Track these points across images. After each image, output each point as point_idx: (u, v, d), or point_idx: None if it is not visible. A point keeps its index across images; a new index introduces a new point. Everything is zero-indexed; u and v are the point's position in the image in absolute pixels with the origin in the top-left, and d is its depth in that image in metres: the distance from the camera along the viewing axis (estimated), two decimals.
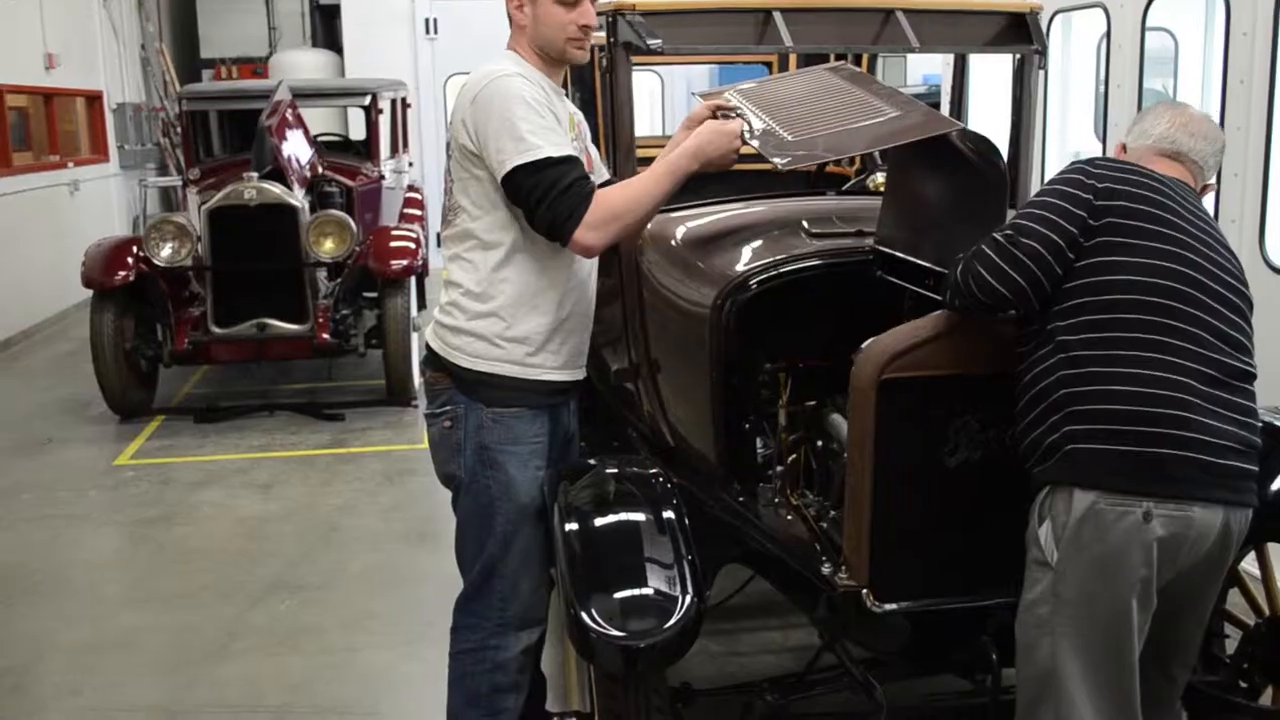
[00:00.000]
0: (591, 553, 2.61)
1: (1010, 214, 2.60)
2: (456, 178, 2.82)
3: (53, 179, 10.75)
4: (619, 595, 2.50)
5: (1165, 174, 2.53)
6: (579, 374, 3.00)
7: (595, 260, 2.99)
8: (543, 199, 2.63)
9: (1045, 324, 2.41)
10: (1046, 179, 5.13)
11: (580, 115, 3.07)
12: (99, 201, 11.71)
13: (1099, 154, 5.85)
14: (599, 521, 2.67)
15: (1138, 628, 2.33)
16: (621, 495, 2.78)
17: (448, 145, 2.87)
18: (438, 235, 3.10)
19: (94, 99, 12.11)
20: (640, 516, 2.66)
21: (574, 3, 2.80)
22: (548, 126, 2.68)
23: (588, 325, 3.01)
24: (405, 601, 4.50)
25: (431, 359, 2.92)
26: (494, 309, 2.80)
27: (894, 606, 2.58)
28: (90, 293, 7.04)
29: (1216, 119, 5.87)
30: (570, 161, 2.66)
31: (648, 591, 2.50)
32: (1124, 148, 2.69)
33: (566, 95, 3.12)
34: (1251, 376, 2.40)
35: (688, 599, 2.47)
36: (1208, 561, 2.36)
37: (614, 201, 2.70)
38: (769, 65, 5.66)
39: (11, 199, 9.71)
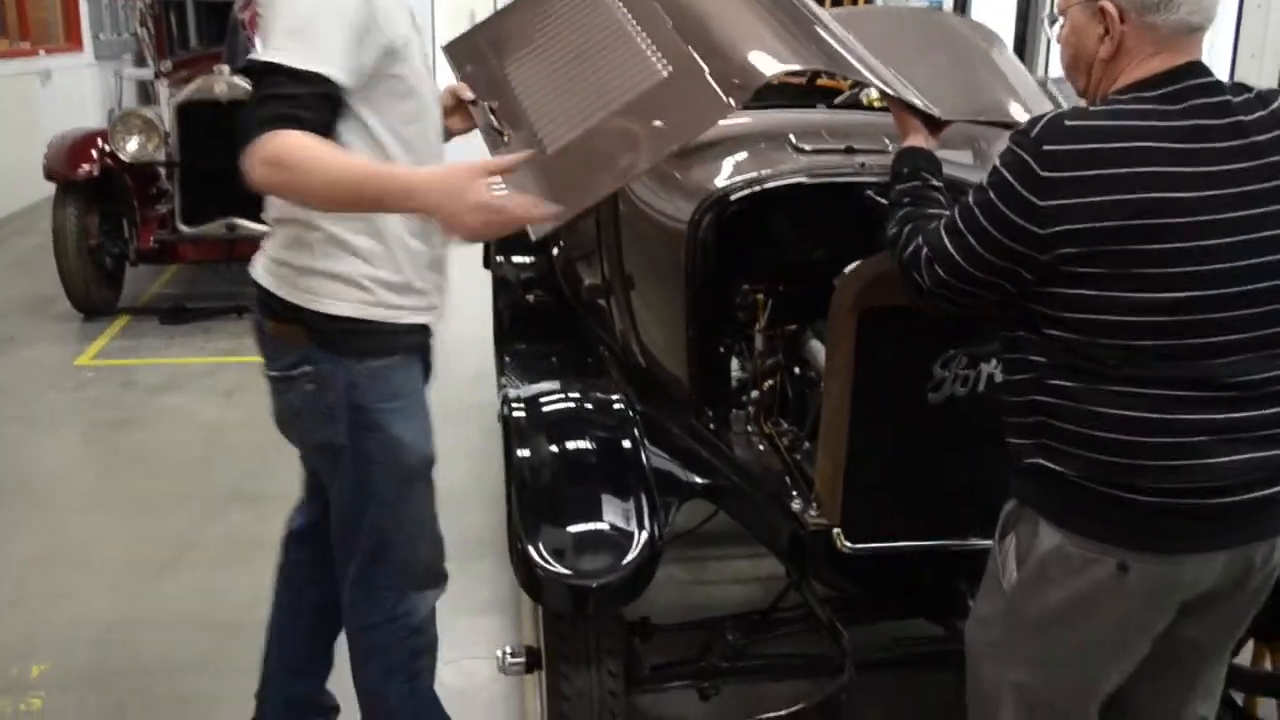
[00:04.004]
0: (542, 483, 2.45)
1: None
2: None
3: (23, 67, 10.41)
4: (570, 530, 2.35)
5: (1191, 81, 1.86)
6: (443, 310, 2.55)
7: (440, 153, 2.49)
8: (250, 104, 2.13)
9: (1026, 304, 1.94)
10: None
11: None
12: (72, 93, 11.35)
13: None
14: (552, 449, 2.50)
15: (1109, 678, 2.01)
16: (579, 421, 2.62)
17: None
18: None
19: None
20: (597, 446, 2.50)
21: None
22: (316, 33, 2.12)
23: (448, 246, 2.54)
24: None
25: (271, 305, 2.38)
26: (346, 243, 2.31)
27: (865, 547, 2.44)
28: (53, 186, 6.81)
29: None
30: (302, 76, 2.09)
31: (602, 527, 2.35)
32: (1117, 49, 1.90)
33: None
34: None
35: (643, 535, 2.32)
36: (1217, 599, 1.97)
37: (294, 151, 2.07)
38: None
39: None
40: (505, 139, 2.35)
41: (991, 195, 1.86)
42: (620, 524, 2.34)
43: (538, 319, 4.54)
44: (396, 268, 2.36)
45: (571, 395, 2.71)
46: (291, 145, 2.06)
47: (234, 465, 4.87)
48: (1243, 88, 1.92)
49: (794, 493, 2.62)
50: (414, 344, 2.46)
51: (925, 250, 1.98)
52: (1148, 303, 1.80)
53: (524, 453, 2.48)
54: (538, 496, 2.43)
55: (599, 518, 2.37)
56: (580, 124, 2.22)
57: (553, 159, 2.28)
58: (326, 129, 2.13)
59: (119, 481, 4.81)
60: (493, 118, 2.37)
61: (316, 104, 2.10)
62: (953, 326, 2.36)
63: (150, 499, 4.59)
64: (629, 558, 2.29)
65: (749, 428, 3.00)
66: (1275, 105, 1.91)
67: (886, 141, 3.17)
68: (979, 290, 1.93)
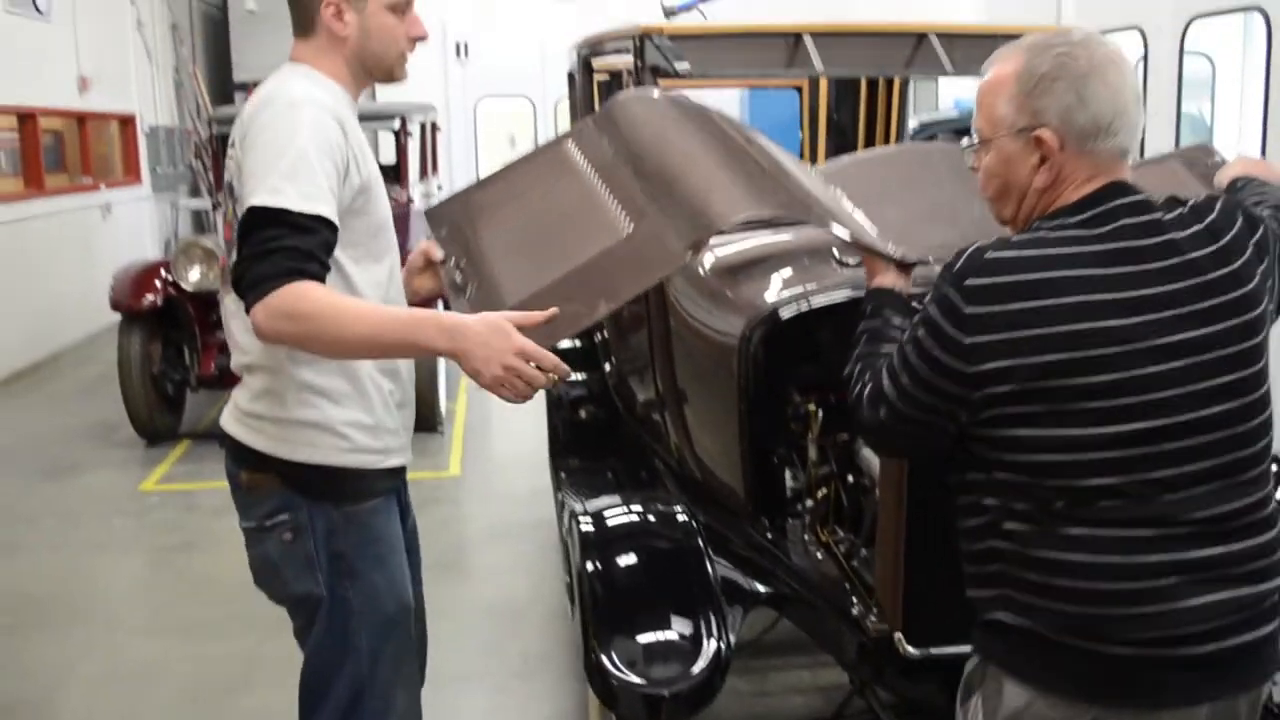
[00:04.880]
0: (613, 595, 2.52)
1: None
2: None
3: (85, 201, 10.82)
4: (642, 640, 2.42)
5: (1121, 210, 1.76)
6: (409, 450, 2.50)
7: (400, 291, 2.45)
8: (248, 254, 2.05)
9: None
10: None
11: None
12: (131, 224, 11.77)
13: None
14: (621, 562, 2.58)
15: None
16: (645, 533, 2.70)
17: (229, 186, 2.26)
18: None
19: (127, 121, 12.19)
20: (664, 557, 2.57)
21: (405, 8, 2.32)
22: (312, 176, 2.09)
23: (414, 384, 2.52)
24: (429, 633, 4.42)
25: (243, 456, 2.32)
26: (320, 388, 2.26)
27: (928, 652, 2.48)
28: (119, 316, 7.04)
29: (1257, 144, 5.75)
30: (305, 227, 2.06)
31: (672, 636, 2.41)
32: (1053, 166, 1.79)
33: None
34: (1267, 498, 1.79)
35: (713, 644, 2.38)
36: None
37: (310, 303, 2.03)
38: (799, 89, 5.59)
39: (44, 221, 9.76)
40: (467, 295, 2.34)
41: (921, 333, 1.77)
42: (689, 633, 2.41)
43: (591, 434, 4.64)
44: (368, 408, 2.31)
45: (635, 508, 2.79)
46: (307, 298, 2.02)
47: None
48: (1175, 202, 1.82)
49: (854, 599, 2.67)
50: (390, 487, 2.42)
51: (870, 389, 1.89)
52: (1088, 439, 1.68)
53: (593, 565, 2.55)
54: (609, 608, 2.49)
55: (669, 627, 2.44)
56: (544, 279, 2.18)
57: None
58: (327, 272, 2.10)
59: (183, 604, 4.90)
60: (457, 275, 2.36)
61: (321, 251, 2.08)
62: None
63: (214, 622, 4.67)
64: (699, 666, 2.35)
65: (805, 536, 3.06)
66: (1211, 219, 1.80)
67: (929, 255, 3.28)
68: (920, 431, 1.83)
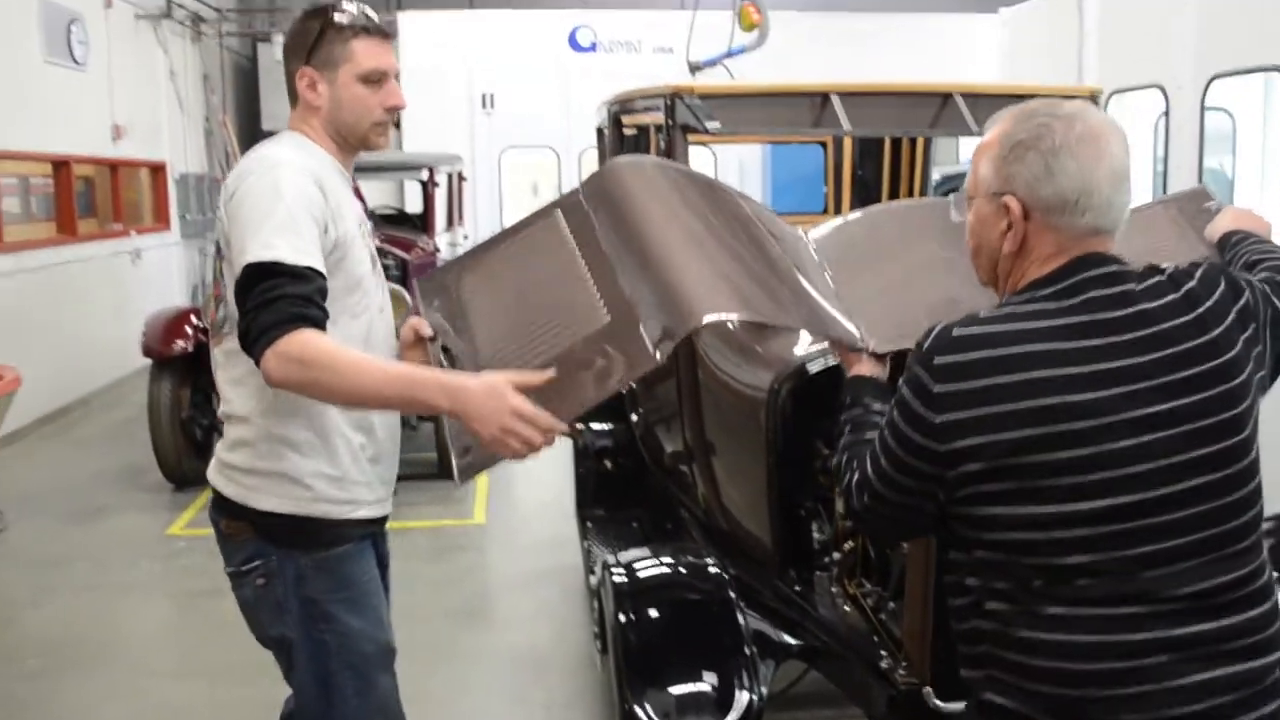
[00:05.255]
0: (645, 645, 2.56)
1: None
2: (228, 283, 2.27)
3: (116, 247, 10.97)
4: (675, 691, 2.45)
5: (1093, 285, 1.74)
6: (390, 503, 2.57)
7: (388, 348, 2.51)
8: (253, 305, 2.13)
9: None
10: None
11: (359, 207, 2.53)
12: (160, 269, 11.92)
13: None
14: (654, 613, 2.62)
15: None
16: (676, 584, 2.74)
17: (216, 245, 2.38)
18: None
19: (158, 169, 12.38)
20: (697, 609, 2.61)
21: (379, 80, 2.39)
22: (298, 230, 2.20)
23: (397, 441, 2.58)
24: (455, 680, 4.45)
25: (222, 505, 2.42)
26: (288, 440, 2.34)
27: (957, 706, 2.50)
28: (148, 361, 7.13)
29: (1279, 197, 5.79)
30: (301, 275, 2.15)
31: (705, 688, 2.45)
32: (1020, 242, 1.78)
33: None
34: (1258, 570, 1.74)
35: (745, 695, 2.42)
36: None
37: (318, 350, 2.11)
38: (824, 145, 5.68)
39: (76, 266, 9.90)
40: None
41: (895, 415, 1.77)
42: (722, 684, 2.44)
43: (618, 484, 4.68)
44: (334, 460, 2.36)
45: (666, 559, 2.83)
46: (314, 344, 2.10)
47: None
48: (1152, 271, 1.79)
49: (882, 652, 2.70)
50: (362, 534, 2.47)
51: (855, 477, 1.88)
52: (1062, 517, 1.65)
53: (626, 616, 2.59)
54: (642, 659, 2.53)
55: (702, 679, 2.47)
56: (525, 362, 2.22)
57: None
58: (326, 319, 2.17)
59: (209, 649, 4.92)
60: (442, 356, 2.42)
61: (319, 298, 2.16)
62: None
63: (240, 666, 4.67)
64: (732, 717, 2.38)
65: (833, 589, 3.09)
66: (1189, 286, 1.76)
67: (903, 339, 3.33)
68: (903, 514, 1.82)
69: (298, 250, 2.16)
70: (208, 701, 4.37)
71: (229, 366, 2.35)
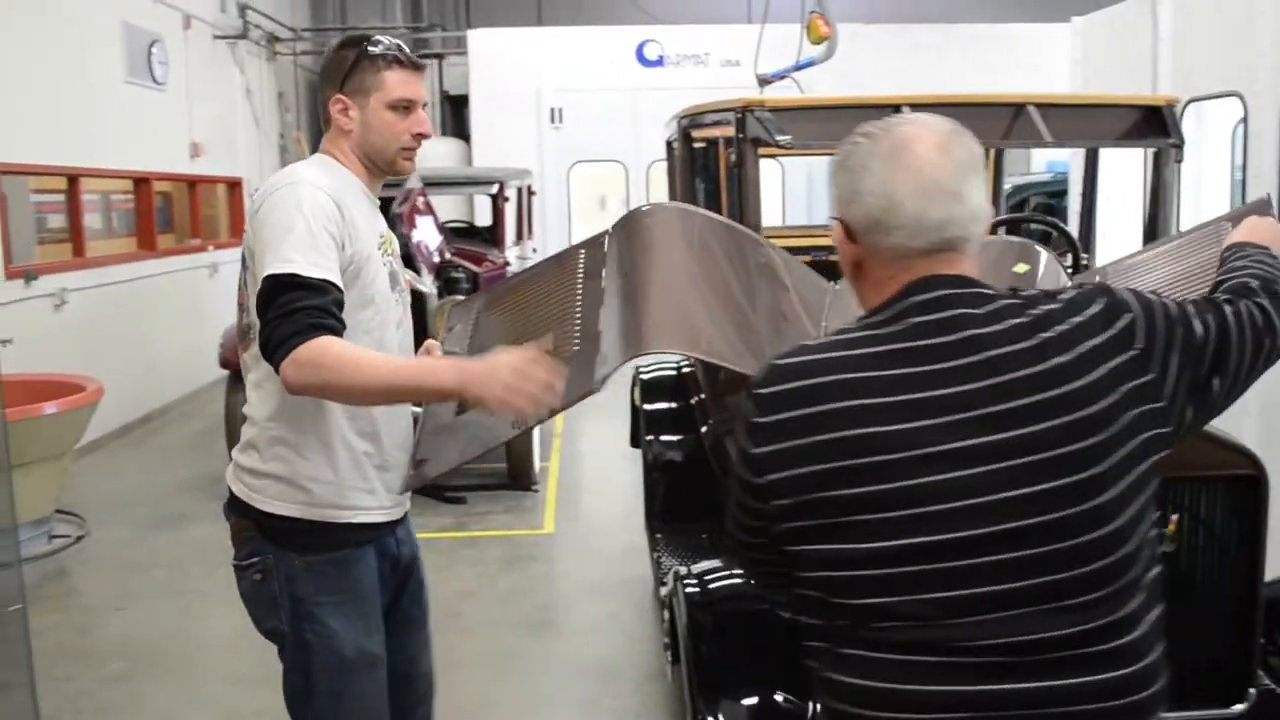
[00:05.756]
0: (718, 656, 2.57)
1: None
2: (251, 293, 2.41)
3: (193, 261, 11.22)
4: (747, 702, 2.46)
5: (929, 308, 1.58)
6: (399, 509, 2.65)
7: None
8: (273, 316, 2.25)
9: None
10: None
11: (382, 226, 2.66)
12: (236, 284, 12.15)
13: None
14: (726, 624, 2.63)
15: None
16: (750, 597, 2.74)
17: (243, 256, 2.51)
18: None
19: (234, 185, 12.64)
20: (769, 620, 2.61)
21: (407, 108, 2.51)
22: (315, 245, 2.31)
23: (407, 449, 2.64)
24: (524, 690, 4.49)
25: (231, 503, 2.56)
26: (291, 443, 2.45)
27: None
28: (225, 372, 7.28)
29: None
30: (317, 288, 2.27)
31: (778, 699, 2.45)
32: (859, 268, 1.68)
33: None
34: (1114, 626, 1.53)
35: (816, 706, 2.41)
36: None
37: (332, 352, 2.23)
38: None
39: (156, 280, 10.14)
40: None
41: (734, 452, 1.69)
42: (796, 696, 2.44)
43: (688, 495, 4.68)
44: (333, 465, 2.45)
45: (738, 571, 2.83)
46: (327, 348, 2.21)
47: None
48: (1010, 294, 1.61)
49: None
50: (361, 540, 2.53)
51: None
52: (868, 555, 1.52)
53: (699, 627, 2.60)
54: (714, 669, 2.54)
55: (774, 689, 2.47)
56: None
57: None
58: (343, 329, 2.29)
59: None
60: None
61: (335, 309, 2.28)
62: None
63: None
64: None
65: None
66: (1045, 309, 1.57)
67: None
68: (759, 557, 1.70)
69: (314, 264, 2.28)
70: (280, 711, 4.43)
71: (252, 370, 2.48)
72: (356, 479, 2.49)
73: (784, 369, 1.60)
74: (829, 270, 5.34)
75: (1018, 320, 1.55)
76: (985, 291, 1.59)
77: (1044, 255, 3.34)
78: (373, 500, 2.53)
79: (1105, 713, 1.53)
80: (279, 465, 2.45)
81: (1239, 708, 2.50)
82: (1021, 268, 3.22)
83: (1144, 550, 1.57)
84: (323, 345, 2.22)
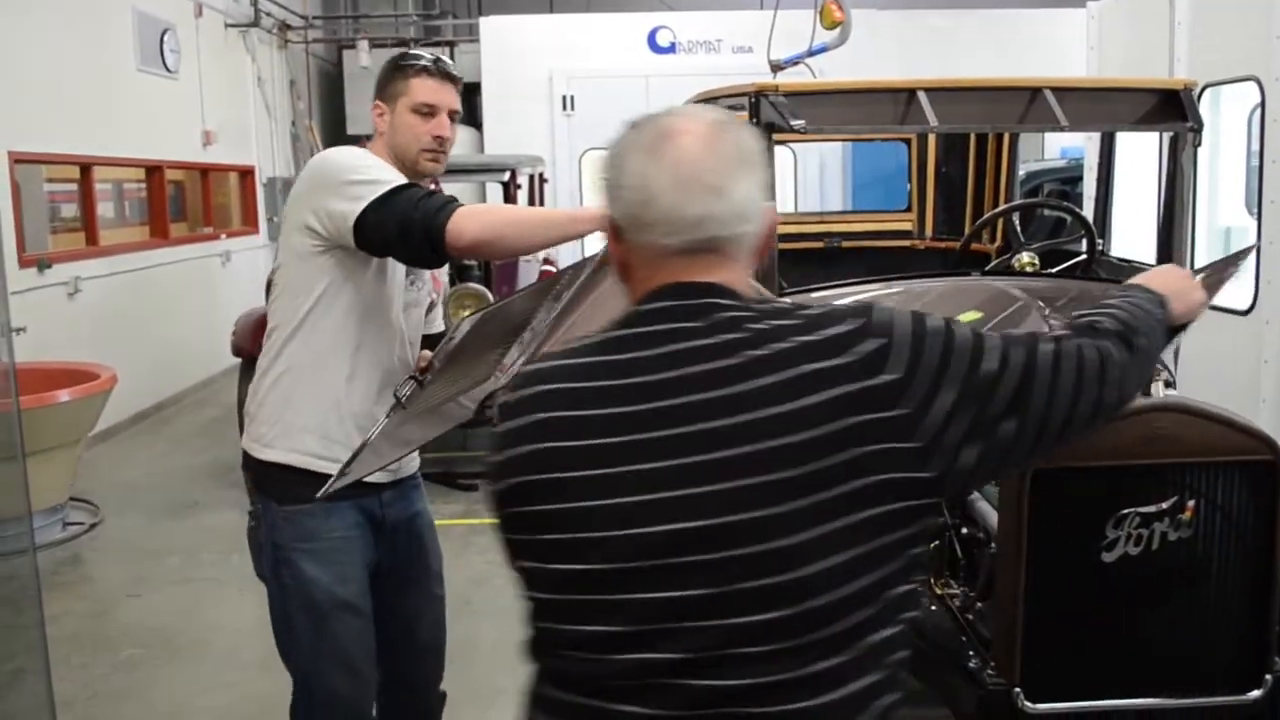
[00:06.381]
0: None
1: None
2: (283, 245, 2.68)
3: (206, 250, 11.24)
4: None
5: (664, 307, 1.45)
6: (385, 475, 2.73)
7: (399, 341, 2.75)
8: (414, 206, 2.45)
9: None
10: (1197, 260, 4.96)
11: None
12: (248, 271, 12.17)
13: (1251, 232, 5.65)
14: None
15: None
16: None
17: (281, 225, 2.76)
18: None
19: (246, 174, 12.65)
20: None
21: (429, 113, 2.69)
22: (387, 167, 2.60)
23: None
24: None
25: (244, 457, 2.77)
26: (289, 394, 2.65)
27: (1047, 707, 2.47)
28: (238, 360, 7.29)
29: None
30: (415, 187, 2.54)
31: None
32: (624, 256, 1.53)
33: None
34: (807, 684, 1.35)
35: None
36: None
37: (487, 208, 2.64)
38: (907, 142, 5.63)
39: (168, 269, 10.16)
40: (401, 400, 2.70)
41: None
42: None
43: None
44: (323, 422, 2.64)
45: None
46: (483, 205, 2.48)
47: None
48: (752, 305, 1.45)
49: (970, 652, 2.67)
50: (344, 495, 2.61)
51: None
52: (541, 576, 1.44)
53: None
54: None
55: None
56: (439, 398, 2.71)
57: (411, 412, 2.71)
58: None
59: None
60: (407, 383, 2.73)
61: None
62: (1124, 486, 2.43)
63: None
64: None
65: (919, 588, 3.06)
66: (770, 325, 1.41)
67: (1042, 305, 3.29)
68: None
69: (397, 177, 2.55)
70: None
71: (275, 316, 2.69)
72: (340, 435, 2.64)
73: (524, 375, 1.52)
74: (840, 258, 5.33)
75: (731, 336, 1.40)
76: (722, 302, 1.43)
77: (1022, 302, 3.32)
78: (349, 453, 2.62)
79: None
80: (275, 412, 2.65)
81: (1255, 694, 2.49)
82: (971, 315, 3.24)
83: (863, 609, 1.36)
84: (480, 204, 2.58)
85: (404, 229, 2.44)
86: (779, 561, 1.33)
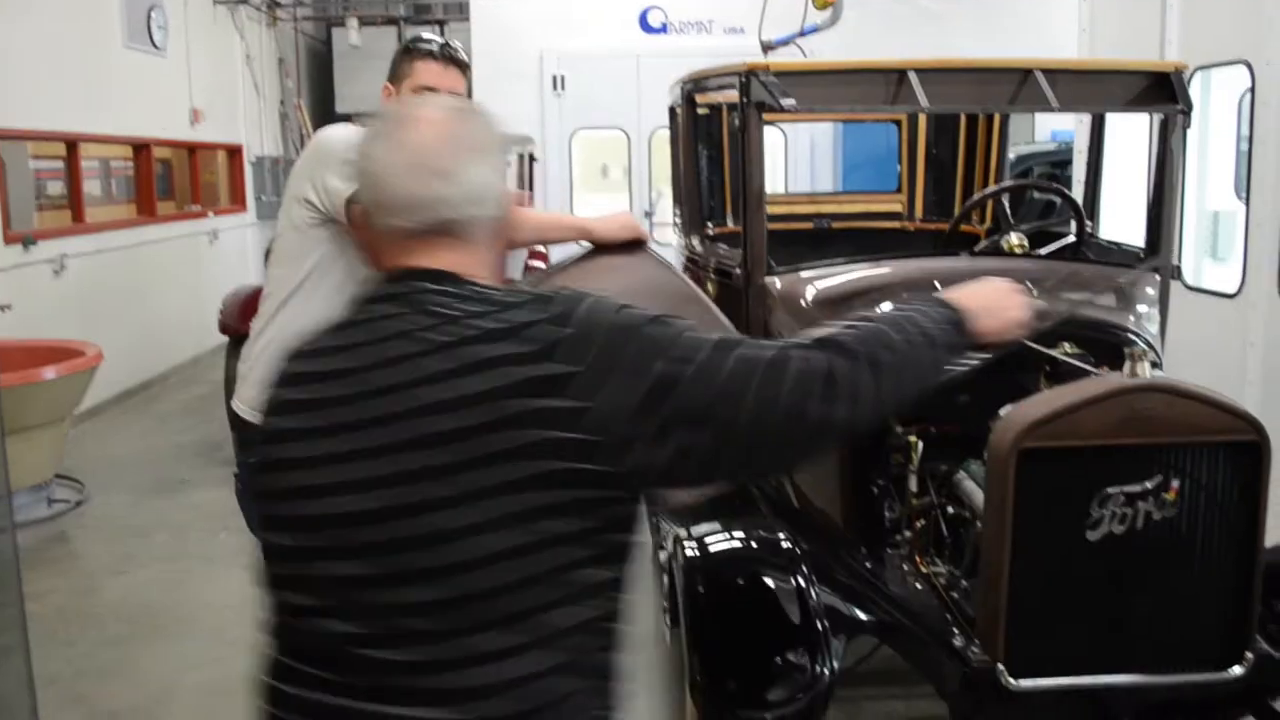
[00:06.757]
0: (719, 619, 2.57)
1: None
2: (284, 211, 2.78)
3: (193, 228, 11.18)
4: (745, 664, 2.46)
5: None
6: None
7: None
8: None
9: None
10: (1187, 242, 4.97)
11: None
12: (236, 250, 12.13)
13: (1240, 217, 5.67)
14: (727, 587, 2.63)
15: None
16: (749, 559, 2.74)
17: (294, 198, 2.77)
18: None
19: (234, 152, 12.58)
20: (770, 582, 2.61)
21: (425, 92, 2.73)
22: None
23: None
24: None
25: (231, 416, 2.90)
26: (270, 355, 2.61)
27: (1031, 684, 2.49)
28: (225, 338, 7.27)
29: None
30: None
31: (777, 662, 2.45)
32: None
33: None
34: (459, 662, 1.39)
35: (819, 670, 2.42)
36: None
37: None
38: (898, 123, 5.63)
39: (155, 247, 10.11)
40: None
41: None
42: (795, 659, 2.45)
43: None
44: (256, 359, 2.78)
45: (738, 534, 2.83)
46: None
47: None
48: (474, 293, 1.48)
49: (955, 630, 2.68)
50: None
51: None
52: (264, 546, 1.54)
53: (698, 590, 2.60)
54: (715, 632, 2.54)
55: (774, 653, 2.48)
56: None
57: None
58: None
59: None
60: None
61: None
62: (1109, 466, 2.44)
63: None
64: (804, 692, 2.39)
65: (904, 566, 3.08)
66: (441, 307, 1.45)
67: (1030, 286, 3.30)
68: None
69: None
70: None
71: (274, 266, 2.82)
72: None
73: (288, 352, 1.58)
74: (830, 239, 5.32)
75: (427, 320, 1.45)
76: (434, 288, 1.48)
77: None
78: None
79: None
80: (264, 375, 2.70)
81: (1236, 671, 2.51)
82: None
83: (535, 591, 1.39)
84: None
85: None
86: (439, 540, 1.38)
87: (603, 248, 2.73)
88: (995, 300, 1.75)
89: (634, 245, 2.74)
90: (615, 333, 1.42)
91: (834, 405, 1.44)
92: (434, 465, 1.38)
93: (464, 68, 2.84)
